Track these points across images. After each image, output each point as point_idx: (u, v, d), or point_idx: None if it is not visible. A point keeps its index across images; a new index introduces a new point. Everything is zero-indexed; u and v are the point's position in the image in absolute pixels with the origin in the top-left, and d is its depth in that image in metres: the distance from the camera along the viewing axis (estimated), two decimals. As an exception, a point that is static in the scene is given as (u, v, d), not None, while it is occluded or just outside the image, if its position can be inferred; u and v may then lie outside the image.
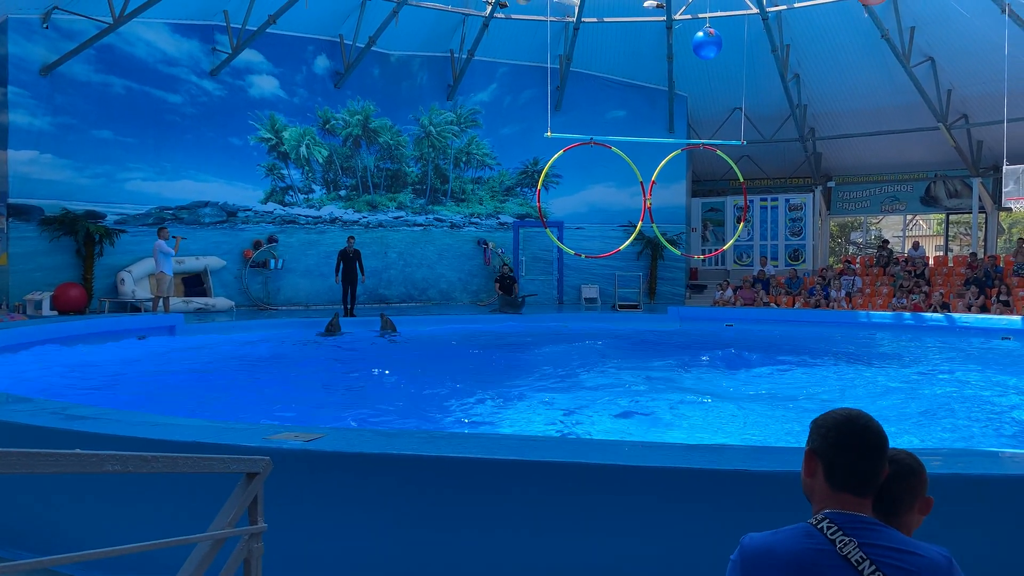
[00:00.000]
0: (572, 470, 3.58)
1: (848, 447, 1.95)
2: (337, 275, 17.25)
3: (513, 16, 20.06)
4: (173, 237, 15.67)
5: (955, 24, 18.23)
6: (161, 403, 8.39)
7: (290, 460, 3.92)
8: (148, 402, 8.41)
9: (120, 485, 4.17)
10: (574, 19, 20.07)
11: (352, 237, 17.96)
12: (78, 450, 1.87)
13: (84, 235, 16.53)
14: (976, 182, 21.55)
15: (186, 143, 18.48)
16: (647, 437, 6.98)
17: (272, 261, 19.39)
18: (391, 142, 21.55)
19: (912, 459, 2.25)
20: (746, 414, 8.07)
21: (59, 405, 5.29)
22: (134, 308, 16.53)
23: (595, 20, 20.39)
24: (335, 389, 9.80)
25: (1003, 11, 16.32)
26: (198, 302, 17.75)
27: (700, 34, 15.73)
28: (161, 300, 15.38)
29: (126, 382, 9.70)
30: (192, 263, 18.19)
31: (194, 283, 18.38)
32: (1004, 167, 17.05)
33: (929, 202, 23.20)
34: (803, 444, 2.05)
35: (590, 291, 21.86)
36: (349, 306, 17.22)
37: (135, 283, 17.01)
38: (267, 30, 18.29)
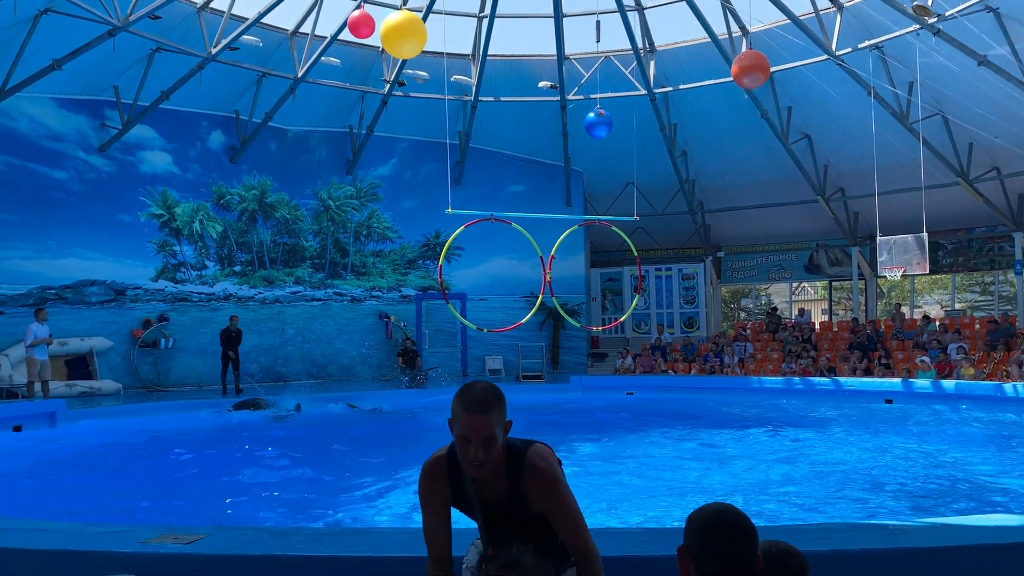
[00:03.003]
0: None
1: (717, 542, 2.00)
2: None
3: (411, 94, 20.32)
4: (44, 343, 14.48)
5: (828, 105, 19.51)
6: (37, 502, 7.86)
7: (169, 566, 3.72)
8: (19, 502, 7.85)
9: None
10: (471, 98, 20.49)
11: (235, 316, 17.78)
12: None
13: (-44, 318, 15.59)
14: (855, 251, 22.82)
15: (72, 220, 17.79)
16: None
17: (163, 340, 18.71)
18: (288, 216, 21.30)
19: (798, 552, 2.22)
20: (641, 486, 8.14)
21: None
22: (11, 394, 15.57)
23: (492, 99, 20.86)
24: (227, 478, 9.38)
25: (869, 94, 17.60)
26: (82, 385, 16.93)
27: (591, 115, 16.34)
28: (39, 384, 14.52)
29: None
30: (76, 344, 17.35)
31: (79, 365, 17.49)
32: (877, 238, 18.11)
33: (812, 270, 24.40)
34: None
35: (494, 362, 21.87)
36: (234, 384, 17.04)
37: (12, 367, 16.05)
38: (160, 105, 18.01)
